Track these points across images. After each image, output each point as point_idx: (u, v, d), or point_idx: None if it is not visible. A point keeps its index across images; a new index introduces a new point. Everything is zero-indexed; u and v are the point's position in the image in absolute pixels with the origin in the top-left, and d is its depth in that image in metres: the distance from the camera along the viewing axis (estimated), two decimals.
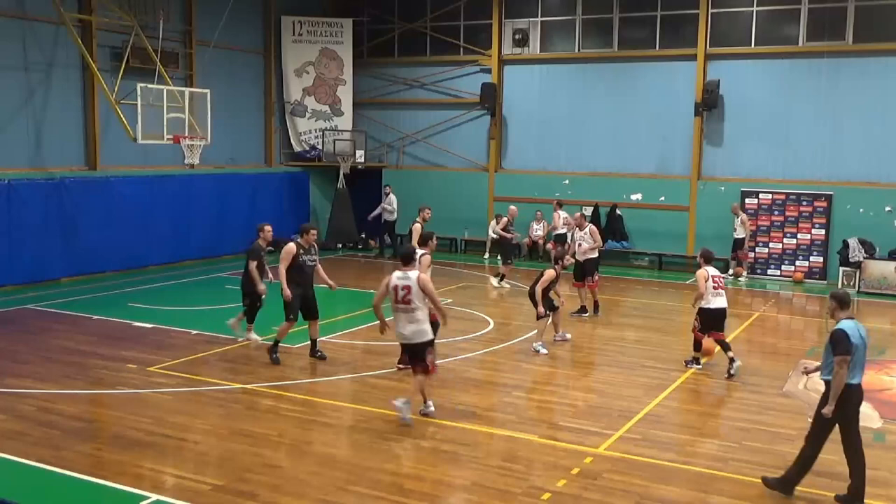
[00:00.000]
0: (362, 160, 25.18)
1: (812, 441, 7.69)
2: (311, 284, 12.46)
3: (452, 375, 11.92)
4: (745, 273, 21.17)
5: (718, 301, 12.13)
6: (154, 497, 7.58)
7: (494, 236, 23.21)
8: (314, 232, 12.51)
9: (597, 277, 16.23)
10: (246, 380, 11.35)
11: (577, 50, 23.75)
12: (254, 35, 24.80)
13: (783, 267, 21.41)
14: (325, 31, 25.93)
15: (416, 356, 9.80)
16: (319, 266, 12.63)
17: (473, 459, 8.66)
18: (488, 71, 24.67)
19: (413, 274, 9.64)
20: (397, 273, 9.73)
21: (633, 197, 23.12)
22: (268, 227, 13.57)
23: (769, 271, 21.50)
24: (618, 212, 23.06)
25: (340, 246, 25.03)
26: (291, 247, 12.14)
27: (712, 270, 12.25)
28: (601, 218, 23.13)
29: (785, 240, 21.40)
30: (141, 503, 7.49)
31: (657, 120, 22.74)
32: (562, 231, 21.46)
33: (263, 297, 13.22)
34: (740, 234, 20.94)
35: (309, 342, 12.70)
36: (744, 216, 21.02)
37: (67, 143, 19.44)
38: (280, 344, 12.41)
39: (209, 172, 22.22)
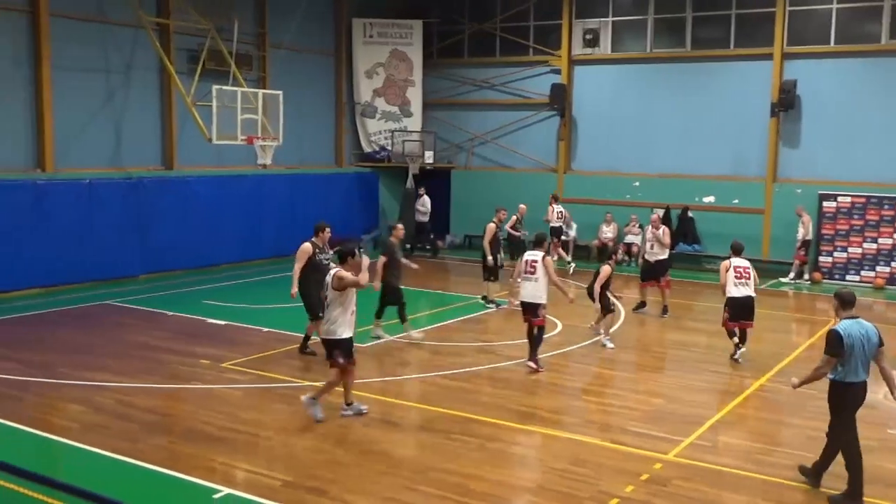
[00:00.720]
0: (431, 161, 25.29)
1: (845, 445, 7.76)
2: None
3: (519, 377, 11.90)
4: (806, 275, 20.67)
5: (740, 290, 12.59)
6: (226, 491, 7.75)
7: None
8: (328, 230, 12.60)
9: (668, 278, 16.29)
10: (316, 378, 11.49)
11: (648, 50, 23.44)
12: (325, 37, 25.13)
13: (863, 272, 20.74)
14: (395, 33, 26.13)
15: (327, 353, 9.73)
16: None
17: (539, 462, 8.63)
18: (558, 71, 24.52)
19: (333, 270, 9.60)
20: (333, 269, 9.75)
21: (706, 199, 22.71)
22: (400, 226, 14.11)
23: (848, 277, 20.84)
24: (689, 214, 22.67)
25: (409, 246, 25.14)
26: (307, 246, 12.32)
27: (736, 262, 12.70)
28: (672, 220, 22.77)
29: (865, 244, 20.72)
30: (213, 496, 7.67)
31: (731, 121, 22.29)
32: (556, 224, 21.74)
33: (373, 289, 13.44)
34: (803, 235, 20.48)
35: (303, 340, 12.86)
36: (806, 217, 20.50)
37: (145, 143, 20.01)
38: (310, 339, 12.59)
39: (280, 173, 22.61)
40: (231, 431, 9.34)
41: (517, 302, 12.67)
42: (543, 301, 12.07)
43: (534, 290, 12.01)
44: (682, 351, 13.62)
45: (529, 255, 12.23)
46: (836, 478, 8.00)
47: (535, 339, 12.11)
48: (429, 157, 25.20)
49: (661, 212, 22.03)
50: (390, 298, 13.63)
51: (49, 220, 17.26)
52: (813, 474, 8.08)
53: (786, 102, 21.14)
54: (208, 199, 20.48)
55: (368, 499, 7.62)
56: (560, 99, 23.99)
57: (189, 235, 20.06)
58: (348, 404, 9.88)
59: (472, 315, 15.91)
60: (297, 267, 12.20)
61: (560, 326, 14.96)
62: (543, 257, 12.10)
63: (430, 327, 14.67)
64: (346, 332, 9.57)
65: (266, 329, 14.33)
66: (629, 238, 22.77)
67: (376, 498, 7.64)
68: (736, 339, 12.75)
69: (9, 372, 11.43)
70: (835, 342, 7.55)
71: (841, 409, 7.74)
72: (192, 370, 11.75)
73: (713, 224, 22.48)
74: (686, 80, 22.90)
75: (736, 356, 12.72)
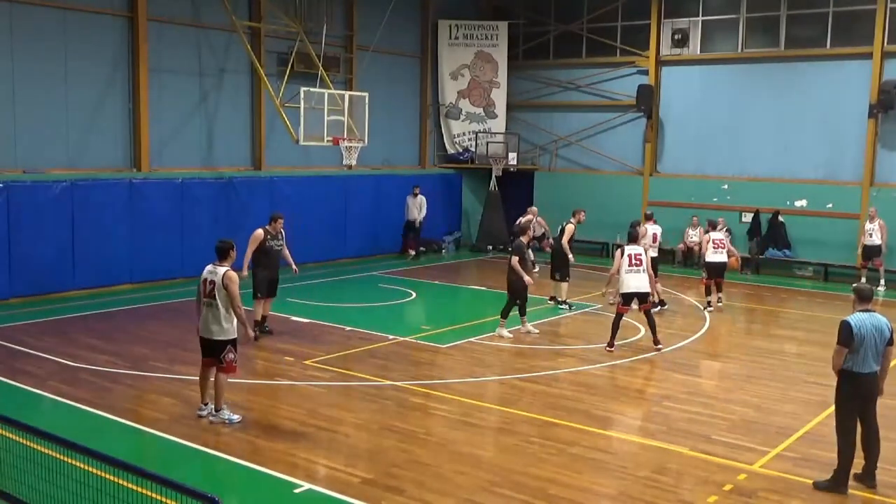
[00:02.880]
0: (514, 163, 25.20)
1: (842, 434, 8.01)
2: (277, 267, 13.72)
3: (599, 381, 11.76)
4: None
5: (716, 256, 16.48)
6: (307, 486, 7.88)
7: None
8: (281, 220, 13.72)
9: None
10: (396, 377, 11.60)
11: (739, 50, 22.86)
12: (411, 39, 25.32)
13: None
14: (480, 35, 26.14)
15: (214, 353, 9.50)
16: (286, 250, 13.85)
17: (620, 469, 8.49)
18: (645, 72, 24.13)
19: (221, 270, 9.43)
20: (209, 267, 9.59)
21: (798, 203, 22.01)
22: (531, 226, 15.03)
23: None
24: (780, 218, 22.02)
25: (490, 248, 25.12)
26: (259, 232, 13.40)
27: (715, 234, 16.56)
28: (762, 224, 22.17)
29: None
30: (294, 490, 7.81)
31: (826, 123, 21.55)
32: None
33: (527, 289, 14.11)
34: (877, 240, 19.73)
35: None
36: (881, 221, 19.80)
37: (235, 144, 20.52)
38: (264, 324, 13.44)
39: (365, 173, 22.87)
40: (313, 427, 9.48)
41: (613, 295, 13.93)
42: (650, 289, 13.68)
43: (641, 280, 13.35)
44: (770, 359, 13.22)
45: (633, 249, 13.42)
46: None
47: (651, 322, 13.53)
48: (512, 158, 25.12)
49: (748, 216, 21.67)
50: (518, 297, 14.02)
51: (143, 218, 17.86)
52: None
53: (885, 103, 20.32)
54: (295, 198, 20.82)
55: (446, 499, 7.62)
56: (647, 100, 23.60)
57: None
58: (218, 410, 9.60)
59: (549, 318, 15.78)
60: (249, 250, 13.27)
61: (643, 331, 14.71)
62: (645, 251, 13.63)
63: (508, 329, 14.58)
64: (234, 332, 9.55)
65: (349, 328, 14.52)
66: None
67: (454, 498, 7.64)
68: (710, 297, 16.66)
69: (101, 364, 11.89)
70: (844, 332, 7.82)
71: (846, 398, 7.99)
72: (276, 366, 11.99)
73: (805, 229, 21.78)
74: (779, 81, 22.25)
75: (719, 304, 16.72)
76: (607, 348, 13.21)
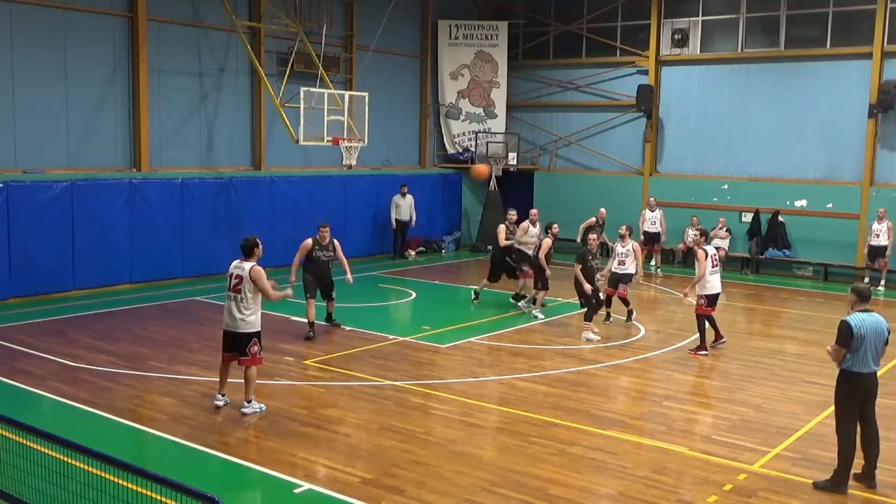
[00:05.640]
0: (514, 163, 25.20)
1: (842, 434, 8.02)
2: (327, 274, 14.05)
3: (601, 381, 11.75)
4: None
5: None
6: (307, 486, 7.88)
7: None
8: (327, 228, 13.96)
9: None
10: (396, 377, 11.60)
11: (739, 50, 22.86)
12: (411, 39, 25.32)
13: None
14: (480, 35, 26.14)
15: (237, 346, 9.74)
16: (342, 257, 14.10)
17: (620, 469, 8.49)
18: (645, 72, 24.13)
19: (248, 265, 9.69)
20: (235, 262, 9.88)
21: (798, 203, 22.01)
22: (593, 236, 14.85)
23: None
24: (780, 219, 22.01)
25: (490, 248, 25.08)
26: (308, 242, 13.81)
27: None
28: (762, 225, 22.16)
29: None
30: (294, 490, 7.81)
31: (826, 123, 21.54)
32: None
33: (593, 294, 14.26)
34: (884, 241, 19.72)
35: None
36: (889, 222, 19.76)
37: (236, 144, 20.52)
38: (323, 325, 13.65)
39: (365, 173, 22.87)
40: (313, 427, 9.48)
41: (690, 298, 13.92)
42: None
43: (719, 279, 13.36)
44: (771, 359, 13.22)
45: (712, 250, 13.34)
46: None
47: (712, 319, 13.39)
48: (512, 158, 25.11)
49: (748, 216, 21.67)
50: (587, 298, 14.20)
51: (143, 218, 17.85)
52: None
53: (885, 103, 20.31)
54: (295, 198, 20.84)
55: (446, 499, 7.63)
56: (647, 100, 23.59)
57: (276, 234, 20.32)
58: (248, 401, 9.92)
59: (552, 318, 15.78)
60: (297, 258, 13.81)
61: (643, 331, 14.73)
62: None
63: (509, 329, 14.62)
64: (258, 325, 9.82)
65: (348, 328, 14.52)
66: (716, 242, 22.23)
67: (454, 498, 7.64)
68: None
69: (101, 363, 11.89)
70: (845, 333, 7.83)
71: (846, 398, 8.01)
72: (276, 366, 11.97)
73: (805, 229, 21.78)
74: (779, 81, 22.24)
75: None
76: (701, 353, 13.09)
